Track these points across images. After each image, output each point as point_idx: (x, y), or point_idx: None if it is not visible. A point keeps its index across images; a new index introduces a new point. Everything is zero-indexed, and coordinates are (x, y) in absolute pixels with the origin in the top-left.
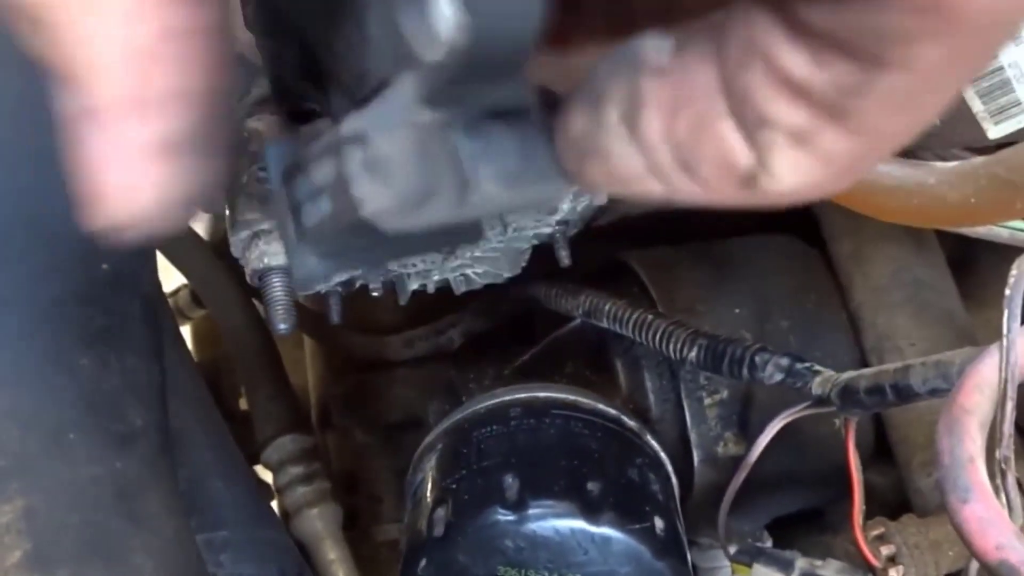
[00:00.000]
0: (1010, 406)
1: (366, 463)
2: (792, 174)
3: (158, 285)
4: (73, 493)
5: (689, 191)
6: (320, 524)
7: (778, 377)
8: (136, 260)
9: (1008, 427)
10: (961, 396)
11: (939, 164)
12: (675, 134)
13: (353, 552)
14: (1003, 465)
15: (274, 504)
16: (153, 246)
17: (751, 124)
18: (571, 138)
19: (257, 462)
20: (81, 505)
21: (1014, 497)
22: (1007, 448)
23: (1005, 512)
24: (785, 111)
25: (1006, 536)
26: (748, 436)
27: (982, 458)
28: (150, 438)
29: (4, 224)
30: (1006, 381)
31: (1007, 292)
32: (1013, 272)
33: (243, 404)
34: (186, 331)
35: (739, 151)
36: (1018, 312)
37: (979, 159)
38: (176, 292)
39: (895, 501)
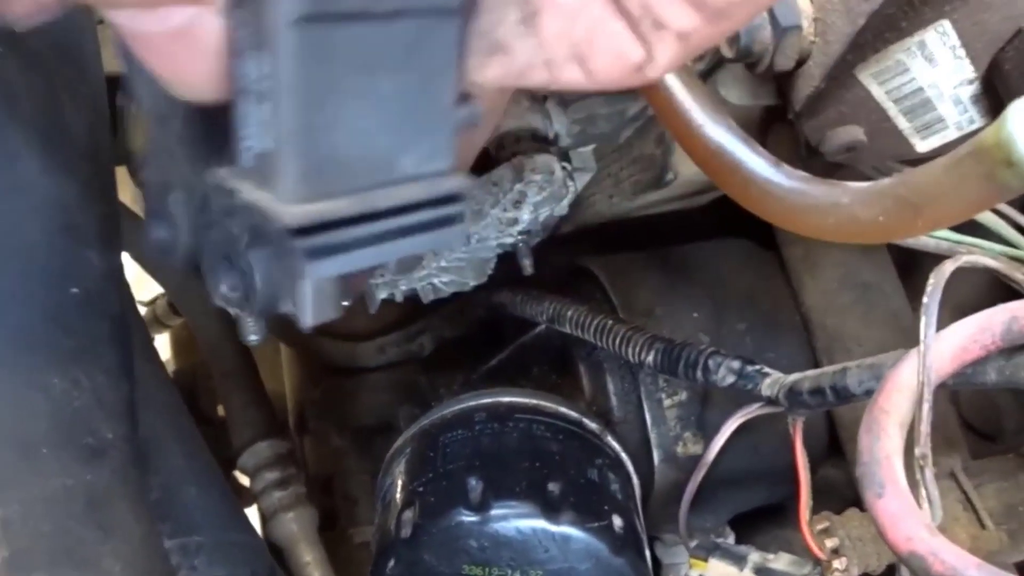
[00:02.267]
0: (926, 407)
1: (341, 466)
2: (669, 61)
3: (127, 304)
4: (46, 504)
5: (576, 79)
6: (296, 527)
7: (730, 379)
8: (105, 282)
9: (925, 427)
10: (881, 398)
11: (852, 184)
12: (572, 35)
13: (331, 553)
14: (921, 462)
15: (252, 509)
16: (121, 268)
17: (646, 27)
18: (480, 35)
19: (235, 468)
20: (54, 515)
21: (932, 492)
22: (925, 446)
23: (916, 506)
24: (682, 17)
25: (916, 528)
26: (706, 436)
27: (899, 456)
28: (120, 451)
29: None
30: (923, 384)
31: (924, 300)
32: (931, 281)
33: (221, 411)
34: (164, 339)
35: (632, 48)
36: (934, 320)
37: (887, 180)
38: (154, 301)
39: (851, 496)
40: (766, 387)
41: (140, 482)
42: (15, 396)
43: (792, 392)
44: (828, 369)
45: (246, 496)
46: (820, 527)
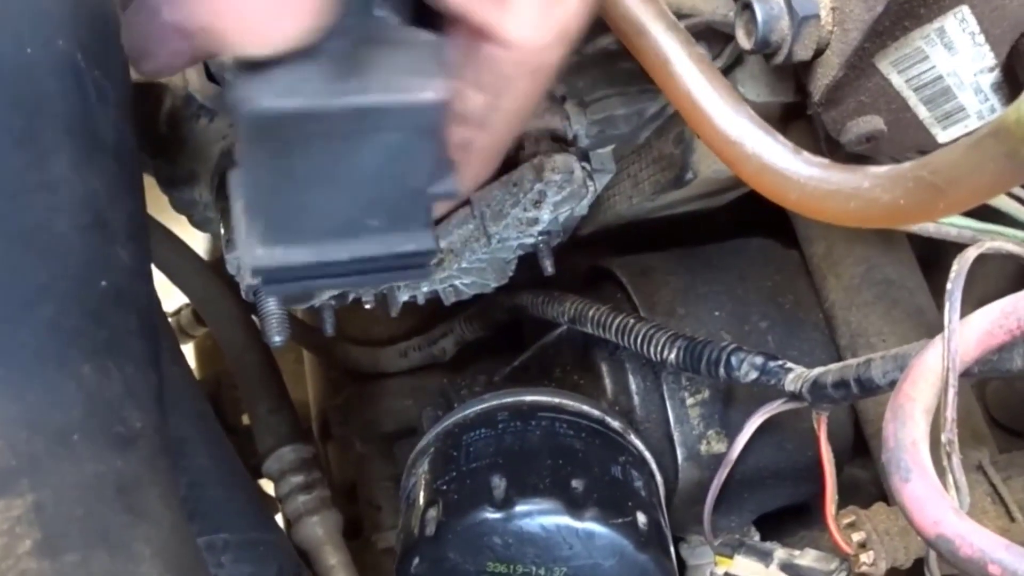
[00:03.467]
0: (952, 392)
1: (365, 472)
2: None
3: (155, 301)
4: (78, 489)
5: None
6: (320, 530)
7: (753, 375)
8: (133, 277)
9: (951, 412)
10: (906, 384)
11: (872, 168)
12: None
13: (356, 561)
14: (947, 448)
15: (278, 517)
16: (149, 264)
17: None
18: None
19: (260, 476)
20: (86, 500)
21: (960, 478)
22: (951, 432)
23: (943, 490)
24: None
25: (943, 512)
26: (730, 434)
27: (925, 441)
28: (149, 440)
29: (5, 245)
30: (948, 370)
31: (948, 286)
32: (955, 267)
33: (245, 419)
34: (189, 349)
35: None
36: (958, 305)
37: (908, 163)
38: (178, 311)
39: (878, 494)
40: (789, 382)
41: (170, 470)
42: (49, 384)
43: (816, 386)
44: (852, 361)
45: (271, 504)
46: (846, 521)
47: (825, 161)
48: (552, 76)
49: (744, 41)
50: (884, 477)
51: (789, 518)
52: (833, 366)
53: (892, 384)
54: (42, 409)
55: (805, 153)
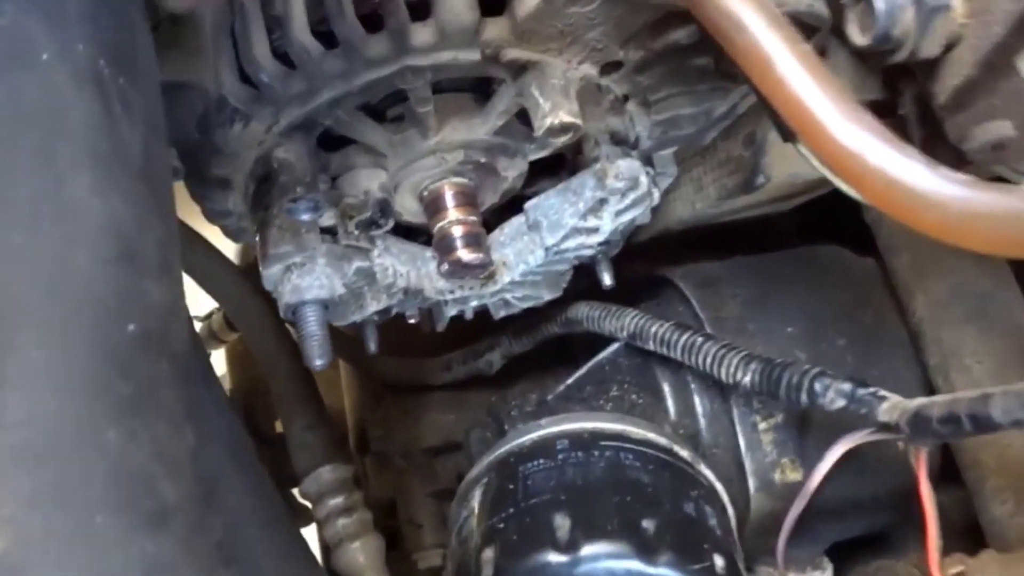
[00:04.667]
0: None
1: (405, 488)
2: None
3: (190, 339)
4: None
5: None
6: (362, 558)
7: (840, 403)
8: (165, 316)
9: None
10: None
11: None
12: None
13: (394, 575)
14: None
15: (310, 529)
16: (182, 297)
17: None
18: None
19: (294, 485)
20: None
21: None
22: None
23: None
24: None
25: None
26: (806, 462)
27: None
28: (184, 514)
29: (23, 290)
30: None
31: None
32: None
33: (278, 425)
34: (220, 355)
35: None
36: None
37: None
38: (210, 316)
39: (960, 523)
40: (883, 412)
41: (208, 548)
42: (65, 454)
43: (918, 419)
44: (963, 395)
45: (304, 516)
46: (953, 571)
47: (969, 178)
48: None
49: (858, 36)
50: None
51: (862, 547)
52: (939, 398)
53: (1016, 424)
54: (57, 485)
55: (944, 168)
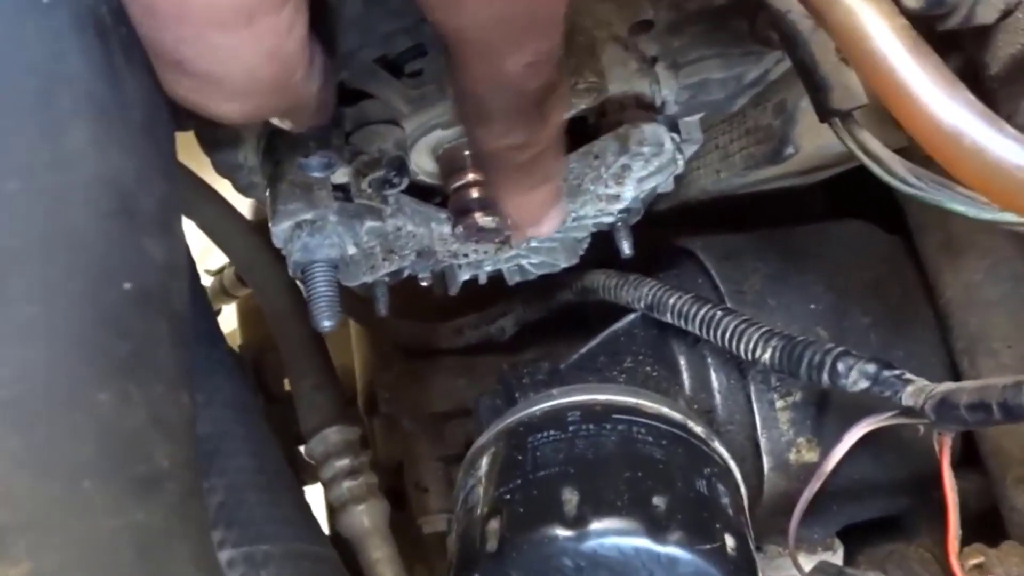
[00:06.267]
0: None
1: (412, 452)
2: None
3: (193, 298)
4: (88, 551)
5: None
6: (367, 520)
7: (863, 385)
8: (164, 275)
9: None
10: None
11: None
12: None
13: (400, 538)
14: None
15: (315, 488)
16: (184, 257)
17: None
18: None
19: (301, 443)
20: (97, 565)
21: None
22: None
23: None
24: None
25: None
26: (823, 442)
27: None
28: (178, 480)
29: (16, 242)
30: None
31: None
32: None
33: (287, 384)
34: (231, 310)
35: None
36: None
37: None
38: (221, 270)
39: (978, 510)
40: (908, 396)
41: (202, 515)
42: (53, 416)
43: (944, 405)
44: (995, 382)
45: (312, 473)
46: (972, 562)
47: None
48: None
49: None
50: None
51: (875, 529)
52: (967, 384)
53: None
54: (44, 449)
55: None
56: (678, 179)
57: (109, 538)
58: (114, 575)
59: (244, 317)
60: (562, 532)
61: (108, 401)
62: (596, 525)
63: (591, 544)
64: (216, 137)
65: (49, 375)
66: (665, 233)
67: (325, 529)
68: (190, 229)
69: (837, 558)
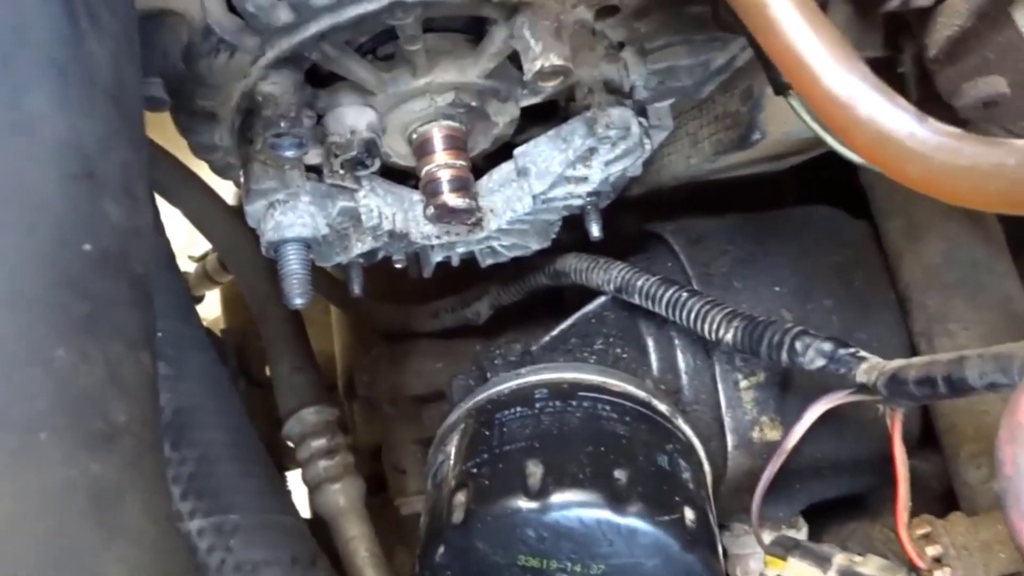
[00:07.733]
0: None
1: (391, 434)
2: None
3: (167, 269)
4: (41, 500)
5: None
6: (342, 499)
7: (820, 363)
8: (126, 239)
9: None
10: None
11: (1018, 142)
12: None
13: (377, 520)
14: None
15: (297, 473)
16: (148, 223)
17: None
18: None
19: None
20: (50, 514)
21: None
22: None
23: None
24: None
25: None
26: (785, 421)
27: None
28: (135, 436)
29: None
30: None
31: None
32: None
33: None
34: (215, 296)
35: None
36: None
37: None
38: (204, 256)
39: (939, 489)
40: (862, 373)
41: (158, 472)
42: (10, 371)
43: (894, 381)
44: (940, 357)
45: (293, 458)
46: (920, 532)
47: (957, 131)
48: None
49: None
50: (1002, 507)
51: (839, 508)
52: (916, 360)
53: (991, 387)
54: (4, 400)
55: (932, 120)
56: (650, 164)
57: (63, 488)
58: (67, 523)
59: (227, 303)
60: (525, 504)
61: (65, 357)
62: (558, 497)
63: (554, 515)
64: (191, 117)
65: (6, 330)
66: (639, 219)
67: (305, 512)
68: (175, 216)
69: (801, 536)
